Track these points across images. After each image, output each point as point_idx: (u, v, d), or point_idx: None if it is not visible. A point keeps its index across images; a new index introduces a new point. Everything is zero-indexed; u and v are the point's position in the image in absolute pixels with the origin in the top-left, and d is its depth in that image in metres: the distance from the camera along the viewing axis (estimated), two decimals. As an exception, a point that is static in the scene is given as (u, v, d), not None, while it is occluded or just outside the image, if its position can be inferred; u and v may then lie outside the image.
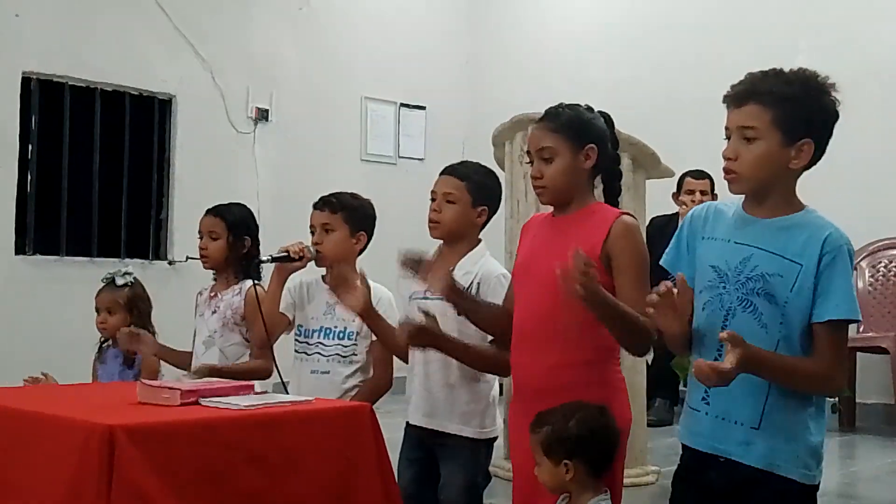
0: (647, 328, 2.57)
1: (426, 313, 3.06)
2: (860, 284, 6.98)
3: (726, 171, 2.41)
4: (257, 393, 2.93)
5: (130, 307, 4.09)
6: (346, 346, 3.50)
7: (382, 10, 8.88)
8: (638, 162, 5.01)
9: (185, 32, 7.60)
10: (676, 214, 6.86)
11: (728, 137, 2.41)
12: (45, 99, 7.04)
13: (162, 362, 4.01)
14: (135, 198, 7.54)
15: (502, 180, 3.78)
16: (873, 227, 6.95)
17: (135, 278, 4.16)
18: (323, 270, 3.63)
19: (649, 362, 5.54)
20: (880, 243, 7.11)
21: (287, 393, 3.31)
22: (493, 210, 3.34)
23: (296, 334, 3.62)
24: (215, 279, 4.01)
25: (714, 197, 6.77)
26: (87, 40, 7.20)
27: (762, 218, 2.41)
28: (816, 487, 2.40)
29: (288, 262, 3.55)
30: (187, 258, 7.14)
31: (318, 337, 3.54)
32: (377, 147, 8.83)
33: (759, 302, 2.35)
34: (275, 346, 3.61)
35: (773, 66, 2.42)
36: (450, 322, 3.16)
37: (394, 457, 3.01)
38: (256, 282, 3.79)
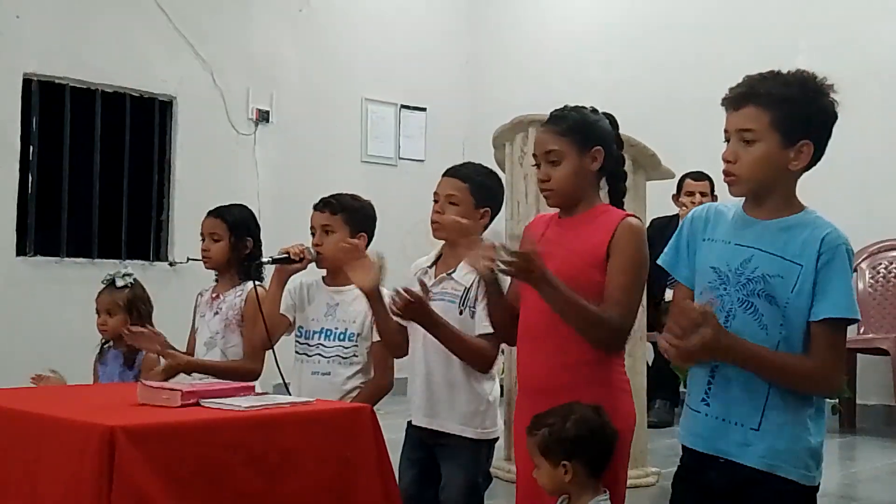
0: (604, 319, 2.63)
1: (422, 285, 3.08)
2: (860, 286, 6.97)
3: (726, 173, 2.41)
4: (257, 394, 2.93)
5: (130, 308, 4.08)
6: (346, 348, 3.50)
7: (382, 10, 8.88)
8: (638, 163, 5.01)
9: (186, 33, 7.60)
10: (677, 216, 6.86)
11: (727, 140, 2.41)
12: (45, 100, 7.04)
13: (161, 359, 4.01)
14: (135, 199, 7.54)
15: (503, 181, 3.78)
16: (873, 228, 6.95)
17: (135, 279, 4.16)
18: (323, 272, 3.64)
19: (650, 363, 5.55)
20: (881, 244, 7.10)
21: (288, 394, 3.31)
22: (496, 211, 3.35)
23: (296, 335, 3.62)
24: (217, 280, 4.01)
25: (714, 198, 6.77)
26: (88, 41, 7.20)
27: (762, 219, 2.41)
28: (816, 488, 2.40)
29: (288, 263, 3.55)
30: (188, 259, 7.14)
31: (319, 338, 3.54)
32: (377, 148, 8.83)
33: (760, 303, 2.35)
34: (276, 347, 3.61)
35: (772, 67, 2.43)
36: (452, 322, 3.16)
37: (394, 457, 3.01)
38: (258, 283, 3.80)
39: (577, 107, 2.85)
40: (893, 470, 5.68)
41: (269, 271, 3.73)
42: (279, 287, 3.59)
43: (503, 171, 5.13)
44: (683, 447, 2.53)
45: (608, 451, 2.65)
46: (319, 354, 3.52)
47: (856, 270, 6.84)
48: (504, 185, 3.67)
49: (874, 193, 7.11)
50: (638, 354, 4.97)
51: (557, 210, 2.88)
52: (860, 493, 5.15)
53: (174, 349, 3.90)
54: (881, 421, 6.92)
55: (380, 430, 2.84)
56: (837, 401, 6.29)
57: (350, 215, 3.57)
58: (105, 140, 7.34)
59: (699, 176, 6.89)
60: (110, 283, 4.12)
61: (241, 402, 2.72)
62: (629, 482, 2.84)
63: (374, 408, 2.96)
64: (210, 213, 3.98)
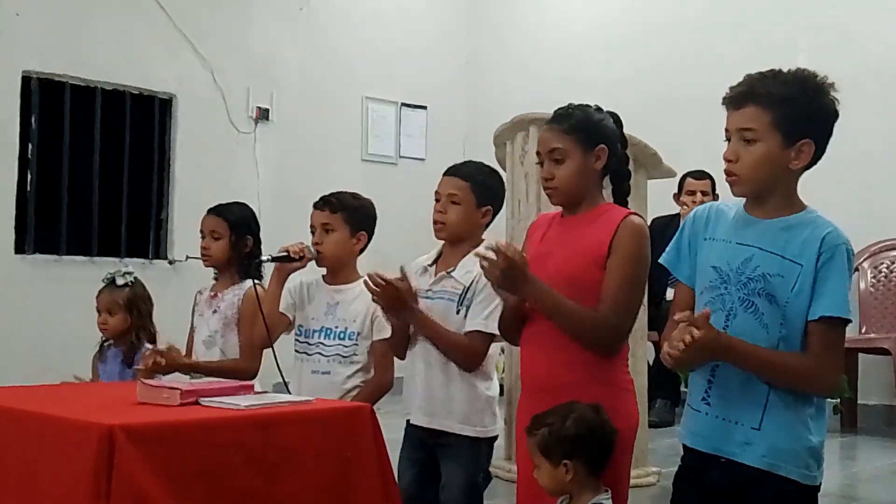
0: (597, 321, 2.64)
1: (403, 273, 3.10)
2: (862, 285, 6.97)
3: (727, 173, 2.41)
4: (257, 393, 2.93)
5: (131, 307, 4.07)
6: (346, 347, 3.49)
7: (383, 9, 8.87)
8: (639, 162, 5.00)
9: (186, 32, 7.59)
10: (678, 215, 6.85)
11: (728, 139, 2.41)
12: (45, 98, 7.04)
13: None
14: (135, 197, 7.53)
15: (504, 180, 3.78)
16: (875, 227, 6.94)
17: (135, 278, 4.15)
18: (323, 270, 3.63)
19: (651, 363, 5.54)
20: (882, 244, 7.10)
21: (288, 393, 3.30)
22: (497, 210, 3.34)
23: (296, 334, 3.62)
24: (216, 279, 4.00)
25: (715, 197, 6.77)
26: (88, 40, 7.20)
27: (763, 218, 2.41)
28: (817, 488, 2.40)
29: (288, 262, 3.54)
30: (187, 258, 7.14)
31: (319, 337, 3.53)
32: (378, 147, 8.83)
33: (760, 302, 2.35)
34: (276, 346, 3.60)
35: (773, 66, 2.42)
36: (451, 322, 3.16)
37: (394, 457, 3.01)
38: (257, 282, 3.79)
39: (581, 105, 2.85)
40: (894, 470, 5.67)
41: (268, 270, 3.72)
42: (279, 285, 3.58)
43: (504, 170, 5.12)
44: (684, 446, 2.52)
45: (608, 450, 2.64)
46: (319, 353, 3.51)
47: (857, 270, 6.84)
48: (505, 184, 3.66)
49: (875, 193, 7.10)
50: (639, 354, 4.96)
51: (560, 209, 2.87)
52: (861, 493, 5.15)
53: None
54: (882, 421, 6.91)
55: (380, 430, 2.83)
56: (839, 400, 6.29)
57: (350, 214, 3.56)
58: (105, 138, 7.33)
59: (700, 175, 6.89)
60: (111, 282, 4.11)
61: (241, 401, 2.72)
62: (630, 482, 2.83)
63: (374, 407, 2.96)
64: (210, 211, 3.97)
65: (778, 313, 2.34)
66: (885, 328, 6.83)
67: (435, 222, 3.27)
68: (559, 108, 2.85)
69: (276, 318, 3.57)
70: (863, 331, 6.69)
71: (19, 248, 6.89)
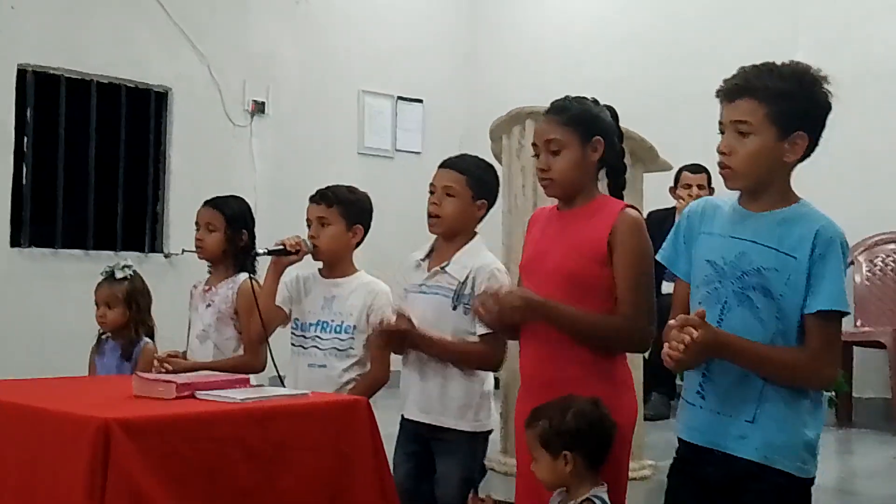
0: (619, 327, 2.67)
1: (399, 315, 3.09)
2: (858, 279, 6.97)
3: (721, 166, 2.41)
4: (253, 386, 2.93)
5: (129, 301, 4.06)
6: (342, 340, 3.49)
7: (379, 3, 8.86)
8: (636, 156, 4.99)
9: (182, 25, 7.57)
10: (674, 209, 6.85)
11: (722, 132, 2.41)
12: (40, 91, 7.01)
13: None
14: (131, 191, 7.51)
15: (499, 174, 3.77)
16: (871, 221, 6.94)
17: (134, 272, 4.13)
18: (319, 264, 3.63)
19: (646, 357, 5.54)
20: (878, 238, 7.09)
21: (284, 386, 3.30)
22: (492, 203, 3.34)
23: (292, 328, 3.61)
24: (210, 272, 4.00)
25: (711, 191, 6.75)
26: (83, 32, 7.17)
27: (758, 212, 2.41)
28: (812, 481, 2.41)
29: (284, 255, 3.54)
30: (183, 251, 7.11)
31: (315, 330, 3.53)
32: (374, 140, 8.81)
33: (755, 296, 2.35)
34: (271, 340, 3.60)
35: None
36: (446, 317, 3.16)
37: (389, 451, 3.01)
38: (251, 275, 3.78)
39: (578, 97, 2.85)
40: (891, 464, 5.67)
41: (263, 264, 3.72)
42: (275, 279, 3.58)
43: (500, 163, 5.11)
44: (679, 440, 2.53)
45: (607, 444, 2.65)
46: (315, 347, 3.51)
47: (853, 263, 6.84)
48: (501, 178, 3.66)
49: (872, 188, 7.09)
50: (634, 348, 4.95)
51: (556, 202, 2.87)
52: (857, 487, 5.15)
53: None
54: (878, 414, 6.90)
55: (376, 423, 2.84)
56: (834, 394, 6.28)
57: (346, 208, 3.56)
58: (100, 131, 7.31)
59: (696, 168, 6.88)
60: (110, 275, 4.09)
61: (237, 395, 2.72)
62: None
63: (370, 400, 2.96)
64: (207, 203, 3.97)
65: (773, 307, 2.34)
66: (880, 321, 6.82)
67: (430, 216, 3.26)
68: (556, 100, 2.85)
69: (273, 311, 3.57)
70: (858, 324, 6.69)
71: (15, 242, 6.87)
